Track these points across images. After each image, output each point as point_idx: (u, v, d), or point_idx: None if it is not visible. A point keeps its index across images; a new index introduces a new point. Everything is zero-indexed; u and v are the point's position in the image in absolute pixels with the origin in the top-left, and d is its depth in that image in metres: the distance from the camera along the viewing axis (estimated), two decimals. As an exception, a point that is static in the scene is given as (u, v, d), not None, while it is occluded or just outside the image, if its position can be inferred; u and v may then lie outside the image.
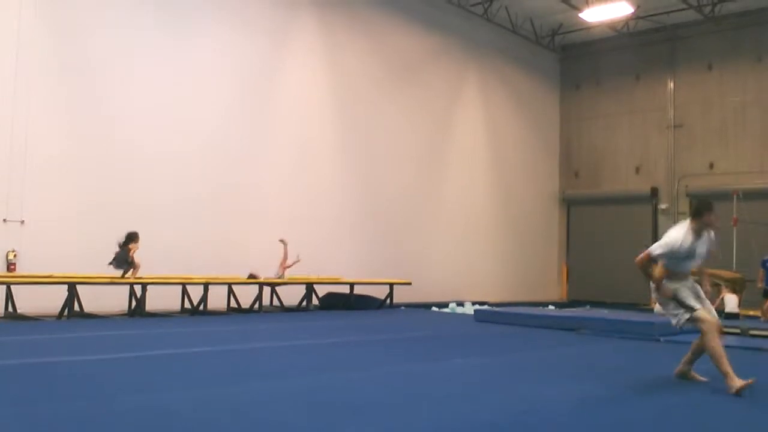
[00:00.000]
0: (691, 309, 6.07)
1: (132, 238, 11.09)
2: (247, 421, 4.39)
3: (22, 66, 11.29)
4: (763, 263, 14.29)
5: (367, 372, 6.53)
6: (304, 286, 14.02)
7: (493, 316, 12.65)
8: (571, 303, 19.95)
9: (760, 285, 14.14)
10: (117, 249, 11.03)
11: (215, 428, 4.20)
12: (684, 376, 6.36)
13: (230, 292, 13.04)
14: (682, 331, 6.77)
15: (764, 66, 19.19)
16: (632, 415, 5.00)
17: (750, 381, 5.77)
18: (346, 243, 15.97)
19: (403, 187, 17.55)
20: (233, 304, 13.05)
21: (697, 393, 5.89)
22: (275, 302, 13.82)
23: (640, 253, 6.20)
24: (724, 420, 5.04)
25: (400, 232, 17.32)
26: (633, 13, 18.98)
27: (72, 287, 10.60)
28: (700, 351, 6.30)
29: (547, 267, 22.34)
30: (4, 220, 11.12)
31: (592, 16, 18.84)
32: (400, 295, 15.44)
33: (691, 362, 6.38)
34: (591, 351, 8.85)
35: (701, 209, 6.33)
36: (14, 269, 11.05)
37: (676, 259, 6.15)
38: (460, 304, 16.57)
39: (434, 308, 15.88)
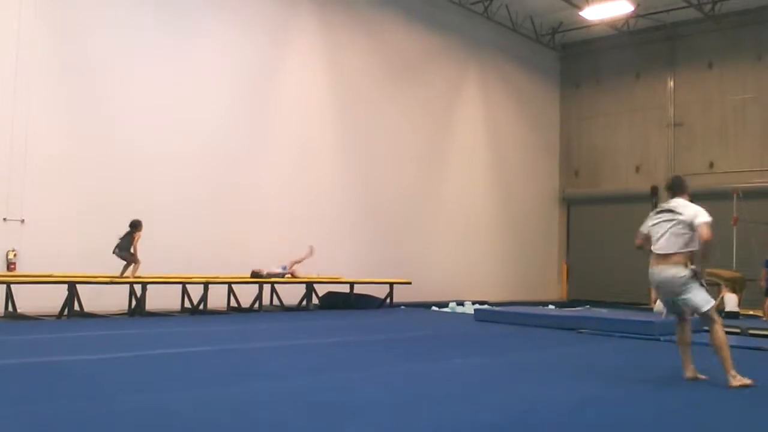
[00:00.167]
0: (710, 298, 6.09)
1: (136, 226, 11.13)
2: (247, 421, 4.39)
3: (22, 66, 11.29)
4: (766, 262, 14.29)
5: (367, 372, 6.53)
6: (304, 286, 14.02)
7: (493, 316, 12.65)
8: (571, 303, 19.94)
9: (762, 284, 14.13)
10: (119, 240, 11.05)
11: (215, 428, 4.20)
12: (695, 379, 6.25)
13: (230, 291, 13.04)
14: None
15: (764, 64, 19.19)
16: (632, 415, 5.00)
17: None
18: (346, 243, 15.97)
19: (403, 187, 17.54)
20: (233, 303, 13.06)
21: (697, 393, 5.89)
22: (275, 302, 13.82)
23: (702, 228, 5.98)
24: (724, 420, 5.04)
25: (400, 232, 17.32)
26: (633, 12, 18.99)
27: (72, 287, 10.60)
28: (688, 343, 6.34)
29: (547, 266, 22.34)
30: (4, 220, 11.12)
31: (592, 14, 18.84)
32: (400, 295, 15.44)
33: (691, 361, 6.36)
34: (591, 351, 8.84)
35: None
36: (14, 269, 11.05)
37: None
38: (460, 303, 16.56)
39: (434, 308, 15.87)
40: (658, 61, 21.09)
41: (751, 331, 11.14)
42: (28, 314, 10.61)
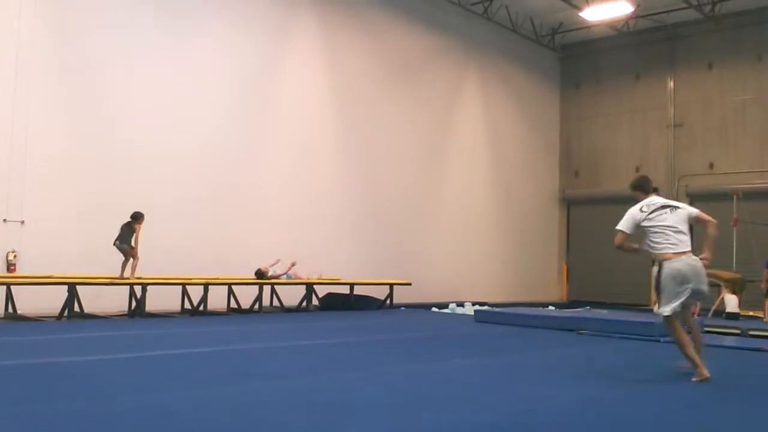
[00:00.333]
0: None
1: (137, 217, 11.13)
2: (247, 421, 4.39)
3: (22, 66, 11.29)
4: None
5: (367, 372, 6.53)
6: (304, 287, 14.01)
7: (493, 317, 12.65)
8: (571, 303, 19.94)
9: (763, 285, 14.12)
10: (119, 231, 11.05)
11: (215, 428, 4.20)
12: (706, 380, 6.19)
13: (230, 292, 13.04)
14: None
15: (764, 65, 19.19)
16: (632, 415, 5.00)
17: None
18: (346, 243, 15.97)
19: (403, 187, 17.54)
20: (233, 304, 13.05)
21: (697, 393, 5.88)
22: (275, 302, 13.81)
23: (704, 215, 6.40)
24: (724, 420, 5.03)
25: (400, 232, 17.31)
26: (633, 12, 18.98)
27: (72, 287, 10.60)
28: (699, 341, 6.51)
29: (547, 267, 22.33)
30: (4, 220, 11.12)
31: (592, 15, 18.84)
32: (400, 296, 15.44)
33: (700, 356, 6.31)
34: (591, 351, 8.84)
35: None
36: (14, 269, 11.04)
37: None
38: (460, 304, 16.56)
39: (434, 309, 15.87)
40: (658, 61, 21.09)
41: (751, 332, 11.15)
42: (28, 315, 10.60)
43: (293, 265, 13.46)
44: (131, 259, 11.10)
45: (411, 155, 17.83)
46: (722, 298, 13.79)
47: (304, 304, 13.94)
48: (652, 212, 6.38)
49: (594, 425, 4.66)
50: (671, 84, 20.82)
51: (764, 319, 13.45)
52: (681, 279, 6.16)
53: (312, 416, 4.55)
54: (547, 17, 21.02)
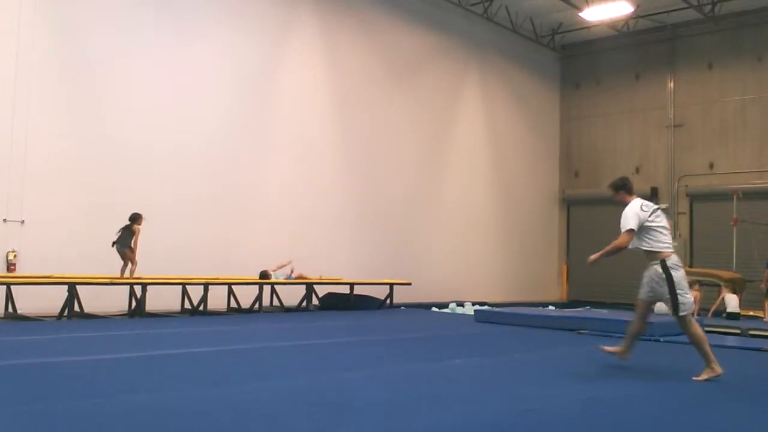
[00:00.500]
0: None
1: (135, 219, 11.13)
2: (247, 421, 4.39)
3: (22, 66, 11.29)
4: None
5: (367, 372, 6.52)
6: (303, 287, 14.01)
7: (493, 317, 12.64)
8: (571, 303, 19.94)
9: (764, 285, 14.13)
10: (118, 234, 11.04)
11: (215, 428, 4.20)
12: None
13: (230, 292, 13.04)
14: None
15: (764, 65, 19.18)
16: (632, 414, 5.00)
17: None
18: (346, 243, 15.97)
19: (403, 187, 17.54)
20: (233, 304, 13.05)
21: (697, 393, 5.89)
22: (275, 302, 13.81)
23: None
24: (724, 420, 5.03)
25: (400, 232, 17.31)
26: (633, 13, 18.98)
27: (72, 287, 10.59)
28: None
29: (547, 267, 22.33)
30: (4, 220, 11.12)
31: (592, 15, 18.83)
32: (400, 295, 15.44)
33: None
34: (591, 351, 8.84)
35: None
36: (14, 269, 11.04)
37: None
38: (460, 304, 16.56)
39: (434, 308, 15.87)
40: (658, 61, 21.09)
41: (751, 332, 11.16)
42: (28, 315, 10.61)
43: (292, 270, 13.54)
44: (129, 264, 11.10)
45: (411, 155, 17.83)
46: (723, 298, 13.79)
47: (304, 304, 13.94)
48: (651, 213, 6.57)
49: (594, 425, 4.66)
50: (671, 84, 20.82)
51: (764, 319, 13.45)
52: (684, 275, 6.60)
53: (312, 416, 4.55)
54: (547, 17, 21.02)
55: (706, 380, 6.23)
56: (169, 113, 13.06)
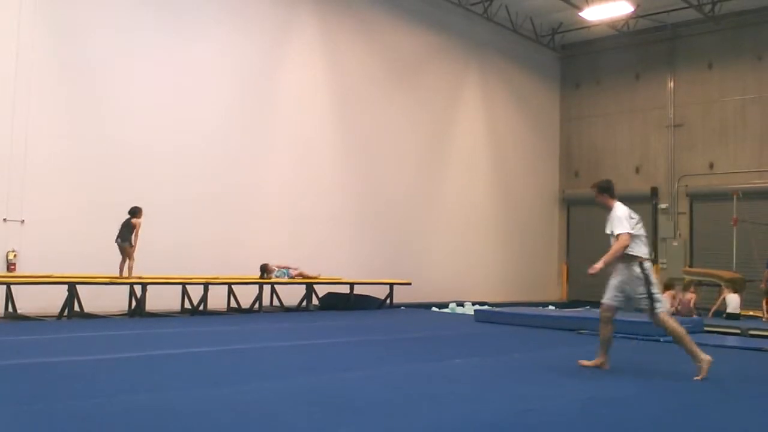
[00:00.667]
0: None
1: (135, 212, 11.14)
2: (247, 421, 4.39)
3: (22, 66, 11.29)
4: None
5: (367, 372, 6.52)
6: (303, 286, 14.01)
7: (493, 316, 12.64)
8: (571, 303, 19.94)
9: (764, 285, 14.13)
10: (120, 228, 11.04)
11: (215, 428, 4.20)
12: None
13: (230, 292, 13.04)
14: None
15: (764, 65, 19.18)
16: (632, 414, 5.00)
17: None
18: (345, 243, 15.97)
19: (403, 187, 17.54)
20: (233, 304, 13.06)
21: (697, 393, 5.89)
22: (275, 302, 13.81)
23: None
24: (724, 420, 5.03)
25: (400, 231, 17.32)
26: (633, 12, 18.98)
27: (72, 287, 10.59)
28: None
29: (547, 267, 22.33)
30: (4, 220, 11.12)
31: (592, 14, 18.84)
32: (400, 295, 15.44)
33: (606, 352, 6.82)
34: (591, 351, 8.82)
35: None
36: (14, 269, 11.05)
37: None
38: (460, 304, 16.56)
39: (434, 308, 15.87)
40: (658, 61, 21.09)
41: (751, 332, 11.15)
42: (28, 315, 10.61)
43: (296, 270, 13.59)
44: (128, 260, 11.10)
45: (411, 155, 17.83)
46: (723, 298, 13.78)
47: (304, 303, 13.94)
48: (638, 222, 6.82)
49: (594, 425, 4.66)
50: (671, 84, 20.82)
51: (764, 319, 13.45)
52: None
53: (312, 416, 4.55)
54: (547, 17, 21.02)
55: (705, 376, 6.22)
56: (169, 113, 13.07)
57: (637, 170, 21.24)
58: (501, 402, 5.31)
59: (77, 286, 10.67)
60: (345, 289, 14.44)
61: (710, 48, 20.06)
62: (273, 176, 14.79)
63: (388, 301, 15.11)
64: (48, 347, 7.60)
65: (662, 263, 19.85)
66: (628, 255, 6.65)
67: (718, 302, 14.12)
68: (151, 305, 11.41)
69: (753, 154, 19.19)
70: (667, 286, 15.19)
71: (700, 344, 6.67)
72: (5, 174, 11.05)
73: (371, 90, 16.94)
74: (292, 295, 13.93)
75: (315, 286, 14.17)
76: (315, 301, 14.20)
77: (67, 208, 11.67)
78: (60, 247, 11.43)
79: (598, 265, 6.59)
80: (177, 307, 12.17)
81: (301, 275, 13.68)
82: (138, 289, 11.32)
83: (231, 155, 14.03)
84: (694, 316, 12.76)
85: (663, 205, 20.64)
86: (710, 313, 13.92)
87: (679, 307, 13.82)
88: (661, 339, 9.56)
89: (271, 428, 4.26)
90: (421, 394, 5.40)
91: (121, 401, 4.76)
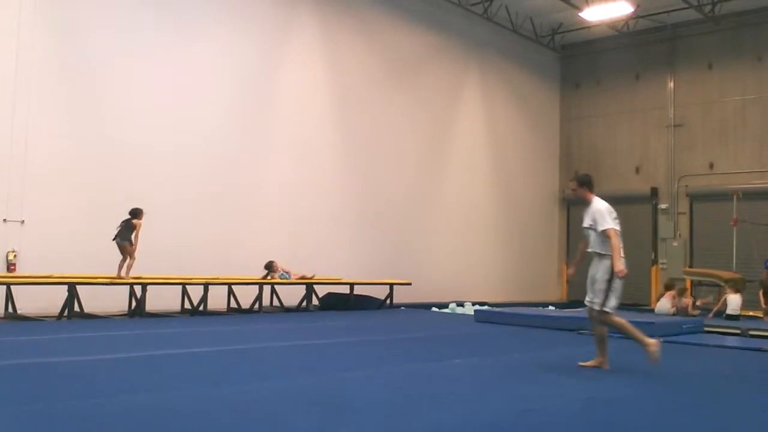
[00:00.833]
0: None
1: (136, 214, 11.13)
2: (247, 421, 4.39)
3: (22, 66, 11.29)
4: (767, 264, 14.31)
5: (367, 372, 6.52)
6: (303, 287, 14.02)
7: (493, 317, 12.65)
8: (571, 303, 19.92)
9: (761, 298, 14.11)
10: (118, 227, 11.02)
11: (215, 428, 4.20)
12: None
13: (230, 292, 13.04)
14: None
15: (764, 65, 19.19)
16: (632, 414, 5.00)
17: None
18: (345, 243, 15.97)
19: (403, 187, 17.54)
20: (233, 304, 13.06)
21: (697, 393, 5.89)
22: (275, 302, 13.81)
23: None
24: (723, 420, 5.03)
25: (400, 231, 17.32)
26: (633, 13, 18.98)
27: (72, 287, 10.60)
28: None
29: (547, 267, 22.33)
30: (4, 220, 11.12)
31: (592, 15, 18.84)
32: (400, 295, 15.44)
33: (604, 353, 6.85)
34: (591, 351, 8.83)
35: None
36: (14, 269, 11.05)
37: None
38: (460, 304, 16.56)
39: (434, 308, 15.87)
40: (658, 61, 21.09)
41: (751, 332, 11.15)
42: (28, 315, 10.61)
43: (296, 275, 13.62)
44: (128, 259, 11.09)
45: (411, 155, 17.83)
46: (725, 299, 13.78)
47: (304, 304, 13.94)
48: (615, 216, 6.93)
49: (594, 425, 4.66)
50: (671, 84, 20.82)
51: (764, 319, 13.45)
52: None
53: (312, 416, 4.55)
54: (547, 17, 21.02)
55: (657, 358, 6.44)
56: (169, 113, 13.06)
57: (637, 170, 21.24)
58: (501, 402, 5.31)
59: (77, 287, 10.67)
60: (345, 290, 14.44)
61: (710, 48, 20.06)
62: (273, 176, 14.79)
63: (388, 301, 15.11)
64: (48, 347, 7.60)
65: (662, 263, 19.86)
66: (603, 255, 6.74)
67: (720, 302, 14.12)
68: (151, 305, 11.41)
69: (753, 155, 19.19)
70: (667, 287, 15.21)
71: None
72: (5, 174, 11.05)
73: (371, 90, 16.94)
74: (292, 296, 13.93)
75: (315, 286, 14.17)
76: (315, 302, 14.20)
77: (67, 208, 11.67)
78: (60, 247, 11.43)
79: (620, 266, 6.59)
80: (177, 307, 12.17)
81: (303, 278, 13.68)
82: (138, 289, 11.32)
83: (231, 155, 14.03)
84: (694, 317, 12.77)
85: (663, 206, 20.64)
86: (711, 314, 13.92)
87: (678, 308, 13.86)
88: (661, 339, 9.56)
89: (271, 428, 4.26)
90: (421, 394, 5.40)
91: (121, 401, 4.76)
